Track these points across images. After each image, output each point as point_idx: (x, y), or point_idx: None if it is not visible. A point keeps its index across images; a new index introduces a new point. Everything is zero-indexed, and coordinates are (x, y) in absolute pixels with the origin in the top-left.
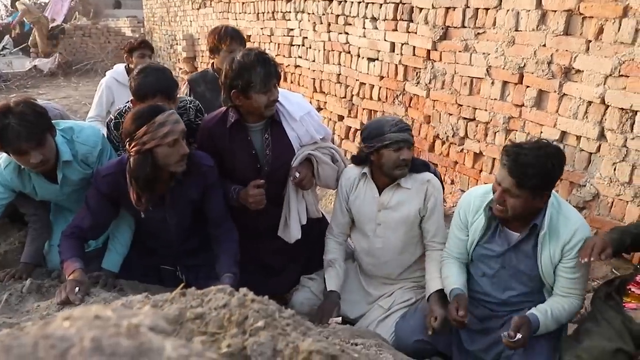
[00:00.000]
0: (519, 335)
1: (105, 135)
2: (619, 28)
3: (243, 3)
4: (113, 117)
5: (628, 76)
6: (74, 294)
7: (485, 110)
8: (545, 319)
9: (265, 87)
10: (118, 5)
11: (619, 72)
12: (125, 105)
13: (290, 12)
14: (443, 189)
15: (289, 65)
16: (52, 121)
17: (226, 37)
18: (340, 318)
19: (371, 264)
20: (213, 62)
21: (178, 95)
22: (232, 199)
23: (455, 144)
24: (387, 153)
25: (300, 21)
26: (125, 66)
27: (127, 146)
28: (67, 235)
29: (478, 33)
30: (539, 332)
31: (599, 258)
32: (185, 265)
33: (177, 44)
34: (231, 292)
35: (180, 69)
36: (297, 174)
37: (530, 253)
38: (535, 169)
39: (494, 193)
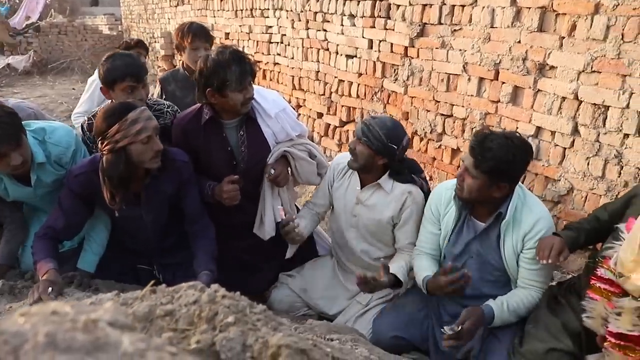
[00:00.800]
0: (453, 328)
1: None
2: (591, 25)
3: (221, 0)
4: (86, 119)
5: (600, 72)
6: (47, 294)
7: (462, 106)
8: (501, 312)
9: (240, 85)
10: (95, 2)
11: (592, 68)
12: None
13: (268, 9)
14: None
15: (267, 62)
16: (22, 122)
17: (188, 34)
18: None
19: (343, 252)
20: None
21: (155, 98)
22: (207, 195)
23: (433, 140)
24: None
25: (279, 18)
26: None
27: (99, 145)
28: (40, 236)
29: (454, 30)
30: (495, 324)
31: (557, 260)
32: (162, 264)
33: (155, 41)
34: (202, 289)
35: (158, 67)
36: (272, 171)
37: (495, 243)
38: (494, 154)
39: (457, 178)
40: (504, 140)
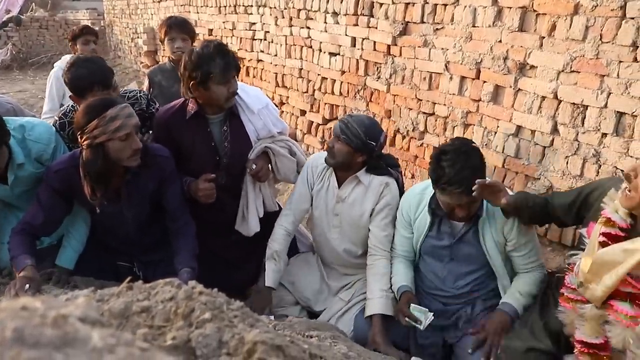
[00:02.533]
0: (429, 315)
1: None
2: (571, 25)
3: None
4: (57, 118)
5: (579, 72)
6: (24, 290)
7: (444, 105)
8: (519, 301)
9: (224, 78)
10: None
11: (571, 68)
12: (69, 105)
13: (252, 5)
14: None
15: (251, 59)
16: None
17: (164, 26)
18: (273, 317)
19: (327, 253)
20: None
21: (141, 88)
22: (184, 191)
23: (415, 139)
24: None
25: (262, 15)
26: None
27: (79, 139)
28: (17, 232)
29: (437, 29)
30: (521, 312)
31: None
32: (143, 261)
33: (138, 37)
34: (179, 285)
35: (141, 62)
36: (254, 166)
37: (474, 240)
38: (465, 174)
39: (446, 208)
40: (458, 157)
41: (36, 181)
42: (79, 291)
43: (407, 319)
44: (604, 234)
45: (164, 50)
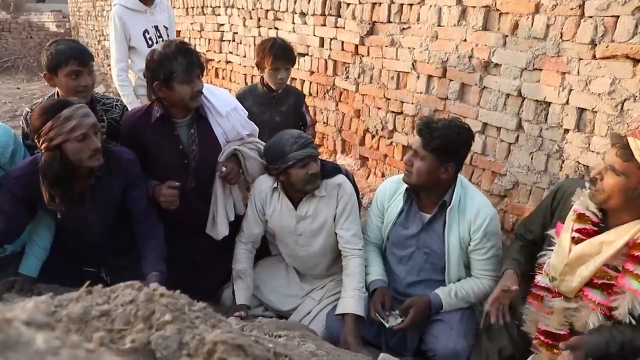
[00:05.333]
0: (398, 320)
1: (22, 130)
2: (532, 24)
3: None
4: (29, 110)
5: (541, 69)
6: None
7: (412, 103)
8: (449, 299)
9: (188, 77)
10: None
11: (533, 65)
12: (27, 112)
13: (219, 6)
14: (357, 192)
15: (220, 61)
16: None
17: (269, 54)
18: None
19: (298, 266)
20: None
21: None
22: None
23: (385, 137)
24: (295, 172)
25: (230, 16)
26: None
27: (37, 143)
28: None
29: (403, 28)
30: (445, 310)
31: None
32: (110, 266)
33: (104, 39)
34: (139, 288)
35: (108, 65)
36: (223, 169)
37: (441, 232)
38: (441, 132)
39: (405, 164)
40: (447, 122)
41: None
42: (38, 297)
43: (376, 314)
44: (577, 230)
45: (261, 74)
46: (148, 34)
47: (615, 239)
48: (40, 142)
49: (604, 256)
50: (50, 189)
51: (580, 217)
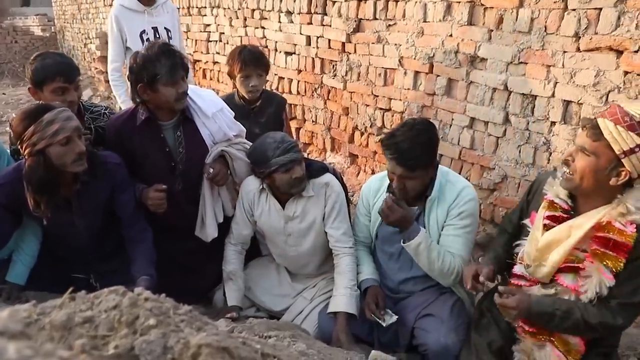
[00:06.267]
0: (394, 317)
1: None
2: (517, 17)
3: None
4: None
5: (527, 63)
6: None
7: (400, 100)
8: (426, 239)
9: (172, 79)
10: (26, 2)
11: (519, 59)
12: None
13: (205, 7)
14: (345, 190)
15: (207, 61)
16: None
17: (238, 61)
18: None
19: (289, 266)
20: None
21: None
22: (136, 198)
23: (374, 134)
24: (279, 177)
25: (217, 16)
26: None
27: (21, 149)
28: None
29: (389, 25)
30: (412, 245)
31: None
32: (99, 271)
33: (90, 42)
34: (123, 293)
35: (95, 68)
36: (211, 170)
37: (423, 223)
38: (417, 150)
39: (390, 181)
40: (410, 133)
41: None
42: (21, 305)
43: (372, 314)
44: (548, 217)
45: (234, 85)
46: (146, 35)
47: (583, 223)
48: (23, 147)
49: (572, 240)
50: (35, 195)
51: (551, 204)
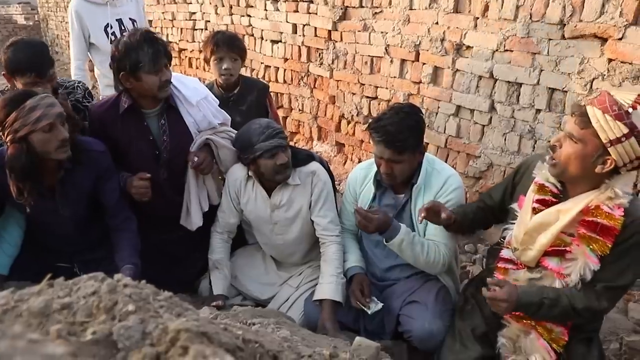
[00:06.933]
0: (379, 305)
1: None
2: (502, 5)
3: None
4: None
5: (512, 51)
6: None
7: (386, 88)
8: (407, 234)
9: (155, 67)
10: None
11: (504, 47)
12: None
13: None
14: (332, 179)
15: (193, 50)
16: None
17: (210, 43)
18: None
19: (275, 255)
20: None
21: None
22: (121, 186)
23: (360, 123)
24: (263, 162)
25: (202, 4)
26: None
27: (2, 136)
28: None
29: (375, 12)
30: (395, 242)
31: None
32: (83, 260)
33: None
34: (102, 279)
35: None
36: (196, 158)
37: (409, 212)
38: (405, 133)
39: (377, 166)
40: (396, 116)
41: None
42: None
43: (357, 302)
44: (537, 201)
45: (209, 69)
46: (110, 28)
47: (571, 207)
48: (5, 134)
49: (560, 224)
50: (18, 183)
51: (541, 188)
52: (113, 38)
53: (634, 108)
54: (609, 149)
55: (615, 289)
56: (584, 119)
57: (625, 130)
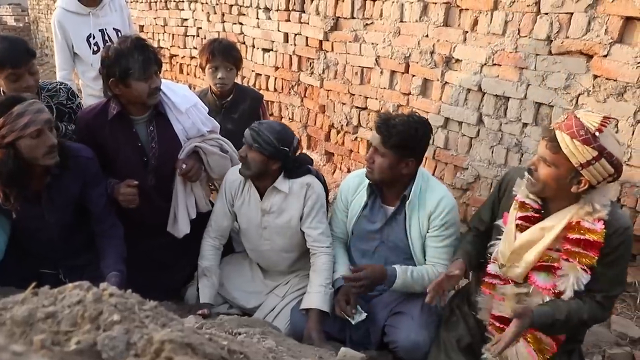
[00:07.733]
0: (363, 315)
1: None
2: (491, 20)
3: None
4: None
5: (500, 65)
6: None
7: (376, 99)
8: (405, 276)
9: (144, 74)
10: None
11: (493, 61)
12: None
13: (183, 1)
14: (327, 191)
15: (184, 56)
16: None
17: (207, 52)
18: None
19: (261, 262)
20: None
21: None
22: (108, 193)
23: (350, 133)
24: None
25: (194, 11)
26: None
27: None
28: None
29: (366, 24)
30: (397, 286)
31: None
32: (68, 266)
33: None
34: (88, 288)
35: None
36: (184, 166)
37: (402, 226)
38: (399, 129)
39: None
40: (405, 117)
41: None
42: None
43: (342, 312)
44: (520, 218)
45: (201, 76)
46: (93, 39)
47: (554, 224)
48: None
49: (545, 241)
50: (4, 188)
51: (522, 205)
52: (95, 49)
53: (600, 131)
54: (581, 171)
55: (613, 298)
56: (554, 144)
57: (595, 154)
